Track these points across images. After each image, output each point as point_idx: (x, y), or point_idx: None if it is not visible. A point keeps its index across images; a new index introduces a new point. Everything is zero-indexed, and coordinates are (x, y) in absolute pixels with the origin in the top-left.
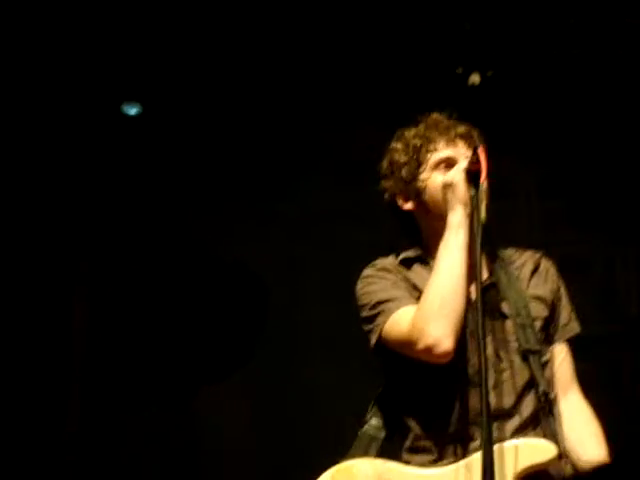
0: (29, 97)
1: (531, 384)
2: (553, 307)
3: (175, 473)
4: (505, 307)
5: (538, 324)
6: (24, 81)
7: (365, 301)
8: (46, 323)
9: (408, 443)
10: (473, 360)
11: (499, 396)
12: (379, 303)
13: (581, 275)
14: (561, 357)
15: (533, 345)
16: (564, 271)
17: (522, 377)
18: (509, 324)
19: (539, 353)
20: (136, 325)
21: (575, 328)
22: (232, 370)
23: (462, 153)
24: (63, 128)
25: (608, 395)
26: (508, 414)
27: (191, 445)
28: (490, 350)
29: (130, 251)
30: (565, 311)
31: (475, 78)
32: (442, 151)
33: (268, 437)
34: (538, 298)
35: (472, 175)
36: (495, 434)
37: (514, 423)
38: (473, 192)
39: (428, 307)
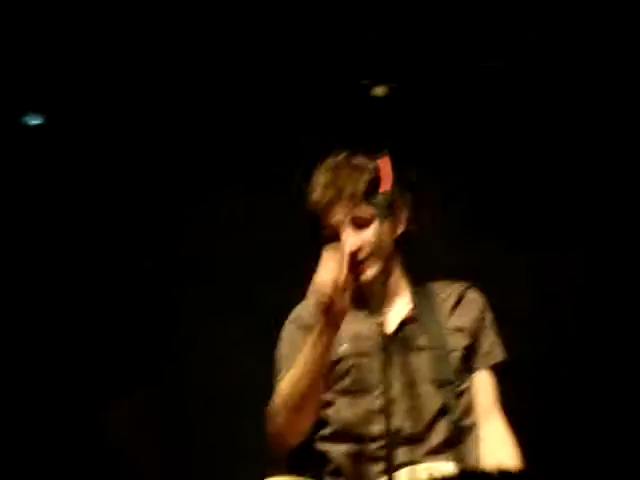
0: None
1: (444, 412)
2: (474, 337)
3: None
4: (423, 340)
5: (456, 355)
6: None
7: (275, 365)
8: None
9: (328, 468)
10: (379, 391)
11: (410, 422)
12: (278, 372)
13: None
14: (481, 384)
15: (447, 375)
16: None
17: (434, 405)
18: (425, 356)
19: (453, 383)
20: (39, 337)
21: (497, 356)
22: (138, 384)
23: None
24: None
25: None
26: (419, 439)
27: (98, 459)
28: (405, 380)
29: (30, 253)
30: (487, 340)
31: (380, 90)
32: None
33: (174, 452)
34: (458, 329)
35: (374, 186)
36: (406, 457)
37: (424, 448)
38: (377, 200)
39: (277, 400)
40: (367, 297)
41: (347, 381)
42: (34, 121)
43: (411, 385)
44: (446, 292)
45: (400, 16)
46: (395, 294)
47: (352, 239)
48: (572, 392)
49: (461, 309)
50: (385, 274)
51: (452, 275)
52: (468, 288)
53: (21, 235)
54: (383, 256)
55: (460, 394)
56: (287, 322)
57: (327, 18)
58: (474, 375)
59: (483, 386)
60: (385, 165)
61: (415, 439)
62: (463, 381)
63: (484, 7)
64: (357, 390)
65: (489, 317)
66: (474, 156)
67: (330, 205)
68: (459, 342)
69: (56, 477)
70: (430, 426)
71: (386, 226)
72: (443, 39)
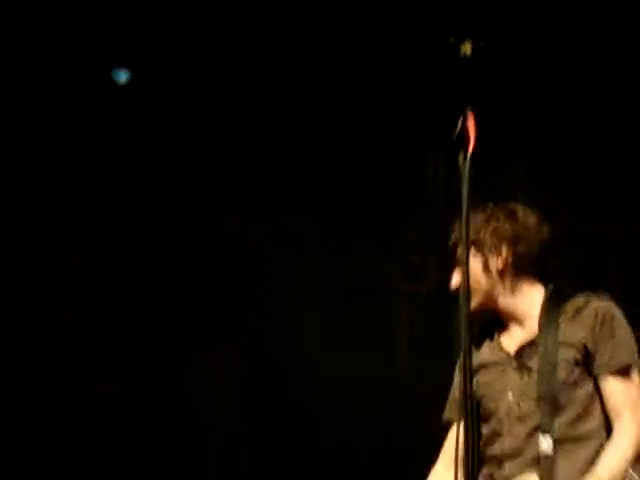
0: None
1: (540, 428)
2: (590, 347)
3: (164, 441)
4: (535, 361)
5: (563, 368)
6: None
7: None
8: (35, 290)
9: None
10: (498, 414)
11: (511, 439)
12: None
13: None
14: (607, 391)
15: (550, 390)
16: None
17: (532, 422)
18: (533, 376)
19: (555, 397)
20: (125, 294)
21: (619, 361)
22: (220, 338)
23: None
24: (49, 103)
25: None
26: (516, 455)
27: (179, 412)
28: (513, 400)
29: (121, 219)
30: (607, 346)
31: (467, 48)
32: None
33: (256, 405)
34: (569, 343)
35: (459, 144)
36: (505, 472)
37: (519, 463)
38: (461, 161)
39: None
40: (498, 323)
41: (480, 410)
42: (122, 78)
43: (517, 404)
44: (570, 307)
45: None
46: (525, 317)
47: (455, 276)
48: None
49: (576, 322)
50: (494, 304)
51: None
52: (589, 300)
53: (111, 197)
54: (480, 289)
55: (565, 405)
56: None
57: None
58: (599, 383)
59: (609, 392)
60: (471, 122)
61: (513, 455)
62: (573, 391)
63: None
64: (486, 416)
65: (607, 325)
66: (558, 117)
67: (454, 245)
68: (568, 355)
69: (140, 429)
70: (527, 442)
71: (475, 264)
72: None
